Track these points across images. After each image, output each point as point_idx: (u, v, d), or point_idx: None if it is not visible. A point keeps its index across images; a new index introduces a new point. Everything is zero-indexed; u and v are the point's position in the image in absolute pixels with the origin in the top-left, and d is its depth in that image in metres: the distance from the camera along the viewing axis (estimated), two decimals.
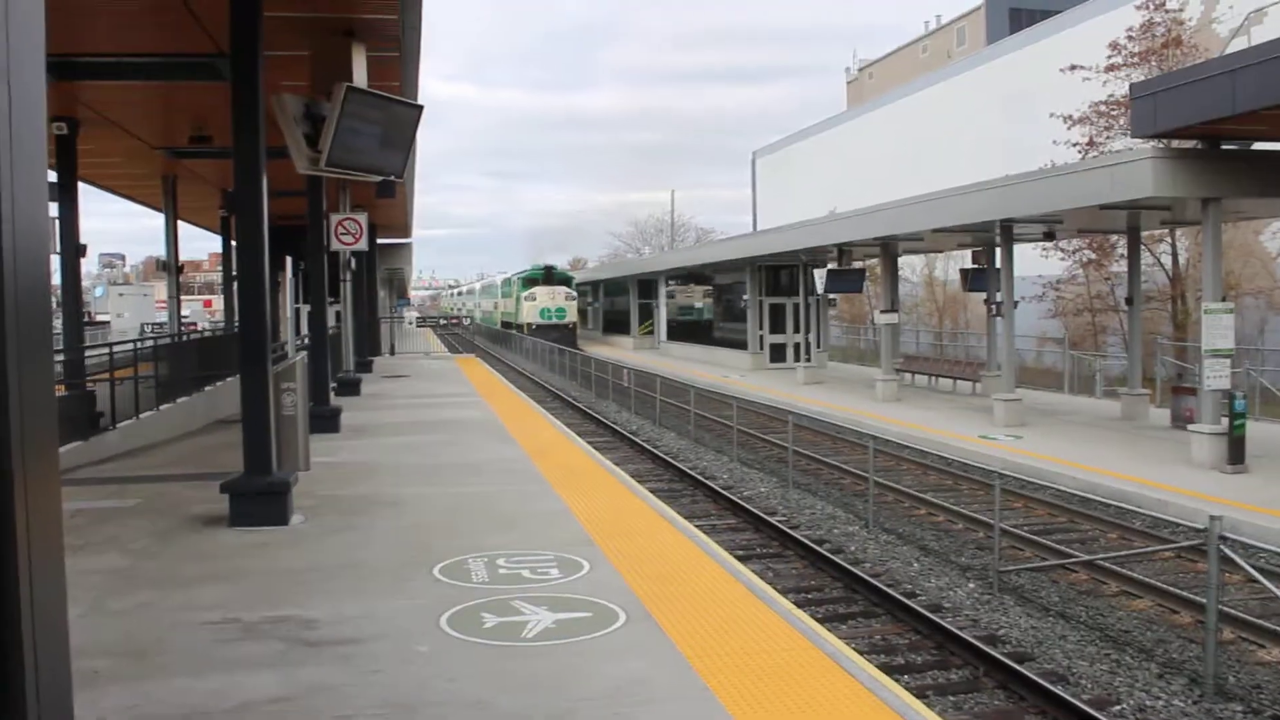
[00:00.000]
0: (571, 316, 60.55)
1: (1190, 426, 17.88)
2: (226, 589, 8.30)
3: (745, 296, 39.72)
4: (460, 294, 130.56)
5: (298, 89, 11.82)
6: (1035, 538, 13.60)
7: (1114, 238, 30.10)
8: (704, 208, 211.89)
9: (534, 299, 60.45)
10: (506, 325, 67.13)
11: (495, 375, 33.43)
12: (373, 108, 11.53)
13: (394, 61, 13.21)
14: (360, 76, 11.56)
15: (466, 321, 75.17)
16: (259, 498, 10.57)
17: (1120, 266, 30.75)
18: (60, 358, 16.02)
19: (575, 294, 63.83)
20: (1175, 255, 31.51)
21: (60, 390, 15.08)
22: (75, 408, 15.19)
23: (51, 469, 1.69)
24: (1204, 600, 9.44)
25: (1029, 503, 15.80)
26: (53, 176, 17.17)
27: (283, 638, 7.05)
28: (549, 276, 63.37)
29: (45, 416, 1.66)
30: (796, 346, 39.48)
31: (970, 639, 9.80)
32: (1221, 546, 9.19)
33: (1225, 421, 16.67)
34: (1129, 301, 24.44)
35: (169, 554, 9.56)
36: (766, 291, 39.86)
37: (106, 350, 17.74)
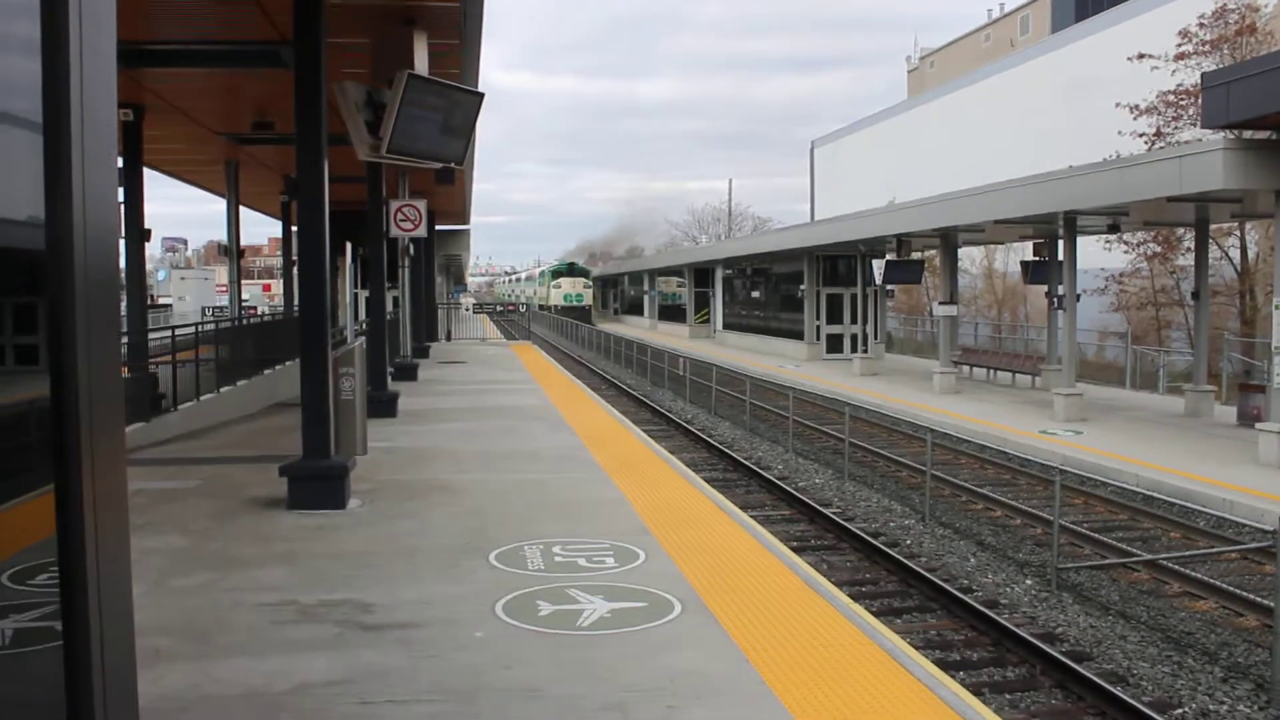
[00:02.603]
0: (587, 301, 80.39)
1: (1258, 425, 17.50)
2: (284, 571, 8.40)
3: (802, 286, 39.48)
4: (512, 281, 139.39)
5: (359, 77, 11.89)
6: (1095, 535, 13.40)
7: (1180, 230, 29.52)
8: (761, 197, 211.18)
9: (560, 287, 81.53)
10: (542, 308, 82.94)
11: (551, 362, 33.54)
12: (434, 95, 11.58)
13: (455, 49, 13.24)
14: (421, 64, 11.59)
15: (523, 309, 78.10)
16: (317, 481, 10.68)
17: (1186, 260, 30.18)
18: (124, 340, 16.28)
19: (590, 283, 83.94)
20: (1244, 249, 30.90)
21: (124, 372, 15.33)
22: (138, 389, 15.43)
23: (118, 448, 1.69)
24: (1271, 603, 9.25)
25: (1089, 499, 15.56)
26: (119, 162, 17.42)
27: (339, 621, 7.11)
28: (571, 270, 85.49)
29: (112, 396, 1.66)
30: (853, 337, 39.17)
31: (1027, 636, 9.68)
32: None
33: None
34: (1195, 296, 23.92)
35: (228, 535, 9.69)
36: (824, 282, 39.58)
37: (169, 333, 18.01)
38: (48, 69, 1.55)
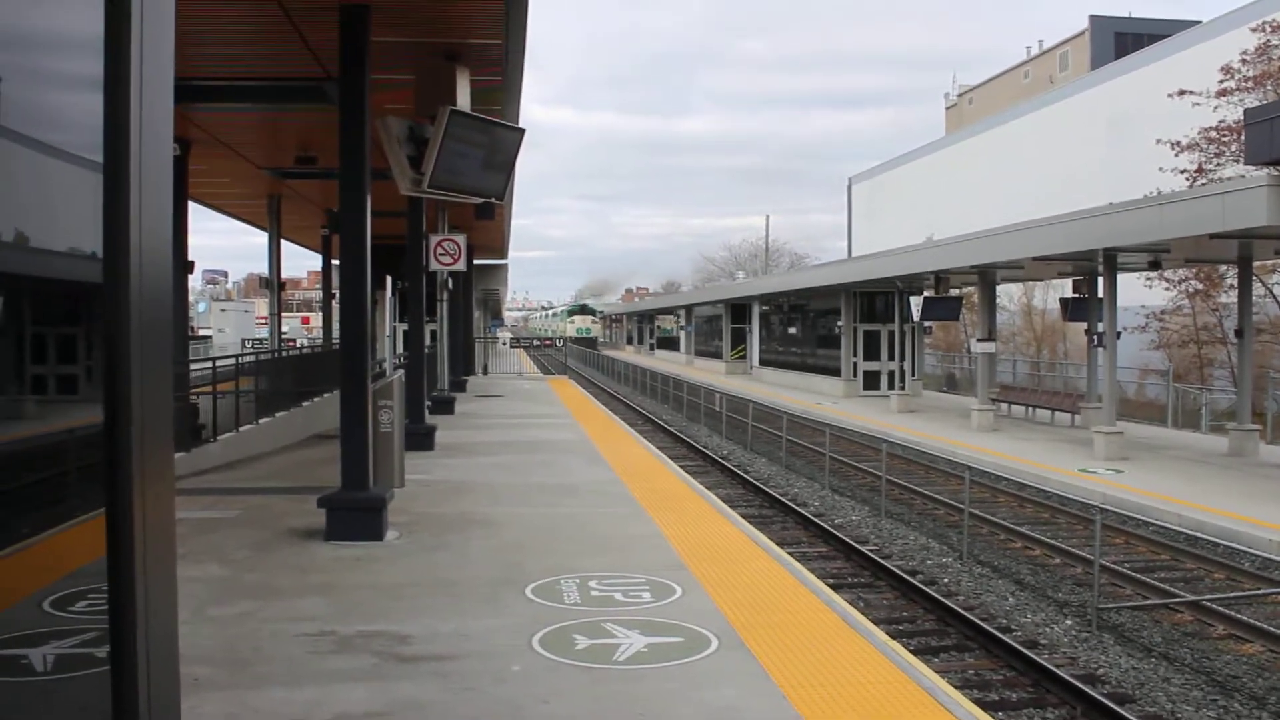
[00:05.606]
0: (595, 333, 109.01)
1: None
2: (322, 602, 8.43)
3: (839, 323, 39.37)
4: (545, 317, 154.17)
5: (402, 112, 12.03)
6: (1137, 575, 13.20)
7: (1223, 267, 29.22)
8: (799, 233, 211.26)
9: (574, 322, 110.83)
10: (562, 339, 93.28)
11: (586, 396, 33.58)
12: (475, 131, 11.70)
13: (496, 85, 13.37)
14: (464, 100, 11.72)
15: (559, 344, 79.03)
16: (355, 513, 10.72)
17: (1229, 297, 29.85)
18: None
19: (597, 320, 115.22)
20: None
21: None
22: (179, 420, 15.57)
23: (168, 474, 1.72)
24: None
25: (1130, 539, 15.36)
26: None
27: (377, 652, 7.12)
28: (583, 310, 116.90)
29: (163, 423, 1.69)
30: (891, 374, 38.99)
31: (1068, 677, 9.54)
32: None
33: None
34: (1239, 334, 23.65)
35: (267, 565, 9.74)
36: (861, 318, 39.45)
37: (209, 364, 18.18)
38: (109, 105, 1.59)
